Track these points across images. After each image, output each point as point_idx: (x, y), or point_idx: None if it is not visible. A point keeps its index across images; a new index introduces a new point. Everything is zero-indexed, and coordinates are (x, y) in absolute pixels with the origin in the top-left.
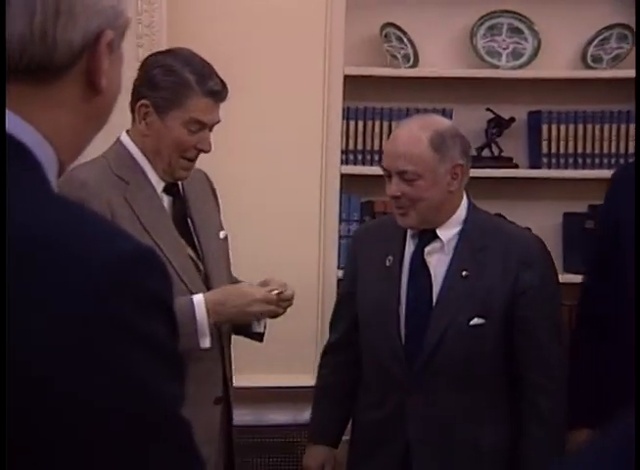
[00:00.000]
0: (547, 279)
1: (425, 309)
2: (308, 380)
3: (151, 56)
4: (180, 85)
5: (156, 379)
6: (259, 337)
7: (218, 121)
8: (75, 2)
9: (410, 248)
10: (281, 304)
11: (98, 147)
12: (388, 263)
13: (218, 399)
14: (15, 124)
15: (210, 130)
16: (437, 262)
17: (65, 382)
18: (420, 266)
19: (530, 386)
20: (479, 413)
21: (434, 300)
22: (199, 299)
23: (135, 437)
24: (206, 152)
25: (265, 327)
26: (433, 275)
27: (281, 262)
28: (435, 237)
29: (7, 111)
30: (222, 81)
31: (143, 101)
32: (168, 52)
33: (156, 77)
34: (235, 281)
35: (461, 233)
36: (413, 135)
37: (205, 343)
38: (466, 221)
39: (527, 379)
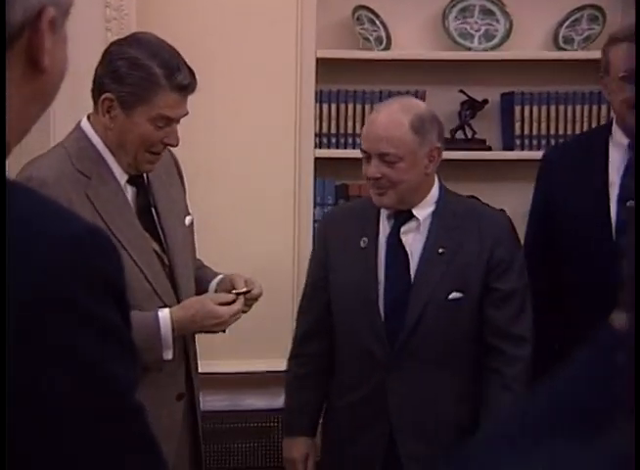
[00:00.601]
0: (516, 255)
1: (404, 287)
2: (283, 365)
3: (114, 44)
4: (147, 81)
5: (107, 362)
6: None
7: (186, 114)
8: None
9: (385, 228)
10: (247, 303)
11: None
12: (362, 245)
13: (180, 394)
14: None
15: (177, 123)
16: (413, 241)
17: (17, 366)
18: (396, 245)
19: (498, 355)
20: (460, 389)
21: (412, 277)
22: (164, 315)
23: (88, 420)
24: (174, 146)
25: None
26: (409, 253)
27: (255, 247)
28: (411, 217)
29: None
30: (191, 72)
31: (107, 95)
32: (133, 41)
33: (120, 70)
34: (200, 266)
35: (434, 212)
36: (394, 118)
37: (169, 355)
38: (439, 201)
39: (496, 349)
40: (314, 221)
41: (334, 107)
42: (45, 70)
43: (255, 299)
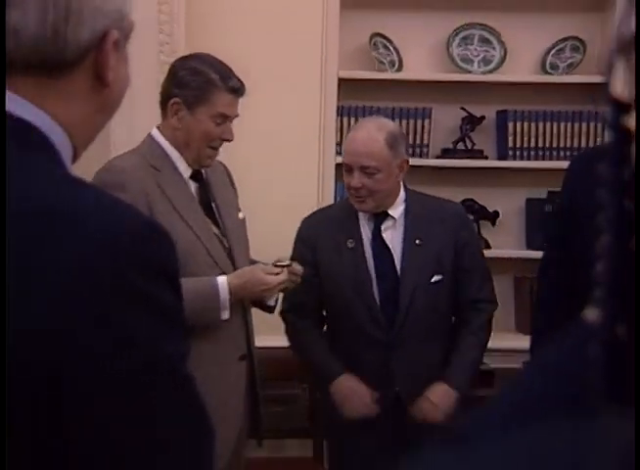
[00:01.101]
0: (475, 237)
1: (392, 277)
2: None
3: (177, 61)
4: (207, 83)
5: (164, 341)
6: (271, 309)
7: (238, 115)
8: (83, 5)
9: (366, 229)
10: (291, 277)
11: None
12: (350, 245)
13: (242, 356)
14: (30, 112)
15: (231, 121)
16: (393, 237)
17: (84, 344)
18: (380, 242)
19: (469, 313)
20: (446, 354)
21: (398, 267)
22: (222, 280)
23: (147, 394)
24: (230, 141)
25: (277, 301)
26: (392, 248)
27: (286, 240)
28: (387, 216)
29: (23, 101)
30: (240, 80)
31: (175, 99)
32: (192, 56)
33: (184, 78)
34: (251, 260)
35: (406, 210)
36: (371, 136)
37: (225, 315)
38: (407, 200)
39: (467, 309)
40: None
41: (353, 120)
42: (109, 84)
43: (297, 274)
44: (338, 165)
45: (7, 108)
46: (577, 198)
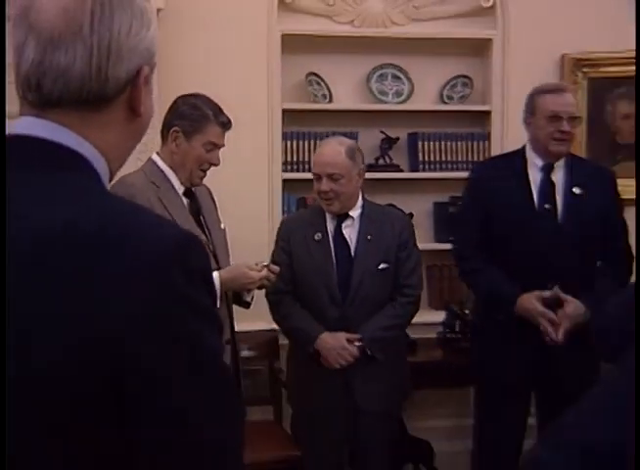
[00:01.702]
0: (413, 237)
1: (348, 263)
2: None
3: (179, 97)
4: (202, 117)
5: (210, 337)
6: (248, 305)
7: (224, 145)
8: (121, 45)
9: (330, 226)
10: (269, 275)
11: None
12: (317, 238)
13: (228, 340)
14: (79, 144)
15: (219, 149)
16: (350, 233)
17: (145, 347)
18: (340, 236)
19: (397, 293)
20: None
21: (353, 256)
22: (215, 275)
23: (200, 382)
24: (217, 165)
25: (252, 298)
26: (349, 241)
27: (243, 241)
28: (347, 216)
29: (71, 132)
30: (228, 117)
31: (175, 128)
32: (192, 95)
33: (185, 111)
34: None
35: (362, 213)
36: (335, 149)
37: (217, 305)
38: (363, 206)
39: (397, 290)
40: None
41: (295, 143)
42: (141, 115)
43: (274, 273)
44: (284, 181)
45: (59, 139)
46: (490, 200)
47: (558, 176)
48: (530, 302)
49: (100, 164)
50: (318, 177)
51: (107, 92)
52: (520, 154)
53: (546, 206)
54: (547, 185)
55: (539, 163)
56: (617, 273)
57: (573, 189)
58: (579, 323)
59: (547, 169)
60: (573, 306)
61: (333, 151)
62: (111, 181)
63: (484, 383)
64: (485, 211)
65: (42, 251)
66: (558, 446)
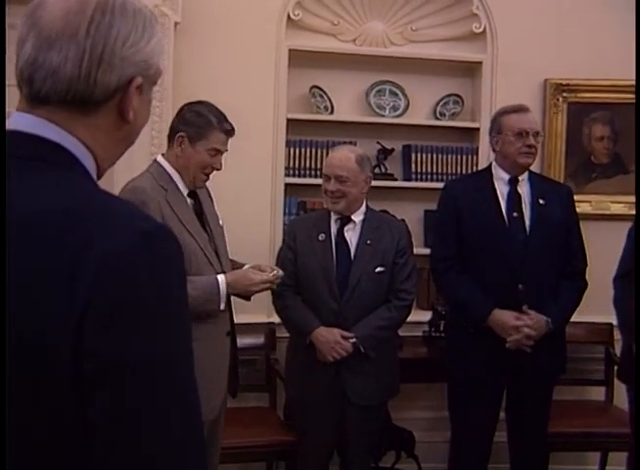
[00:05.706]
0: (409, 244)
1: (347, 264)
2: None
3: (186, 105)
4: (207, 124)
5: (173, 335)
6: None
7: (227, 150)
8: (115, 54)
9: (333, 228)
10: (274, 279)
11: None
12: (321, 239)
13: (228, 332)
14: (63, 137)
15: (222, 154)
16: (352, 236)
17: (102, 336)
18: (342, 239)
19: (393, 296)
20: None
21: (352, 258)
22: (222, 279)
23: (152, 381)
24: (219, 170)
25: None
26: (349, 243)
27: (247, 242)
28: (350, 220)
29: (58, 128)
30: (231, 124)
31: (180, 134)
32: (198, 102)
33: (190, 118)
34: (232, 261)
35: (364, 219)
36: (346, 155)
37: (222, 306)
38: (366, 212)
39: (392, 293)
40: (284, 225)
41: (298, 150)
42: (129, 121)
43: (278, 278)
44: (286, 185)
45: (44, 134)
46: (461, 213)
47: (524, 189)
48: (504, 320)
49: (86, 160)
50: (327, 178)
51: (94, 96)
52: (487, 170)
53: (514, 214)
54: (514, 196)
55: (506, 176)
56: (574, 288)
57: (539, 200)
58: (543, 333)
59: (513, 182)
60: (537, 320)
61: (344, 156)
62: (99, 178)
63: (454, 379)
64: (458, 222)
65: (15, 235)
66: None
